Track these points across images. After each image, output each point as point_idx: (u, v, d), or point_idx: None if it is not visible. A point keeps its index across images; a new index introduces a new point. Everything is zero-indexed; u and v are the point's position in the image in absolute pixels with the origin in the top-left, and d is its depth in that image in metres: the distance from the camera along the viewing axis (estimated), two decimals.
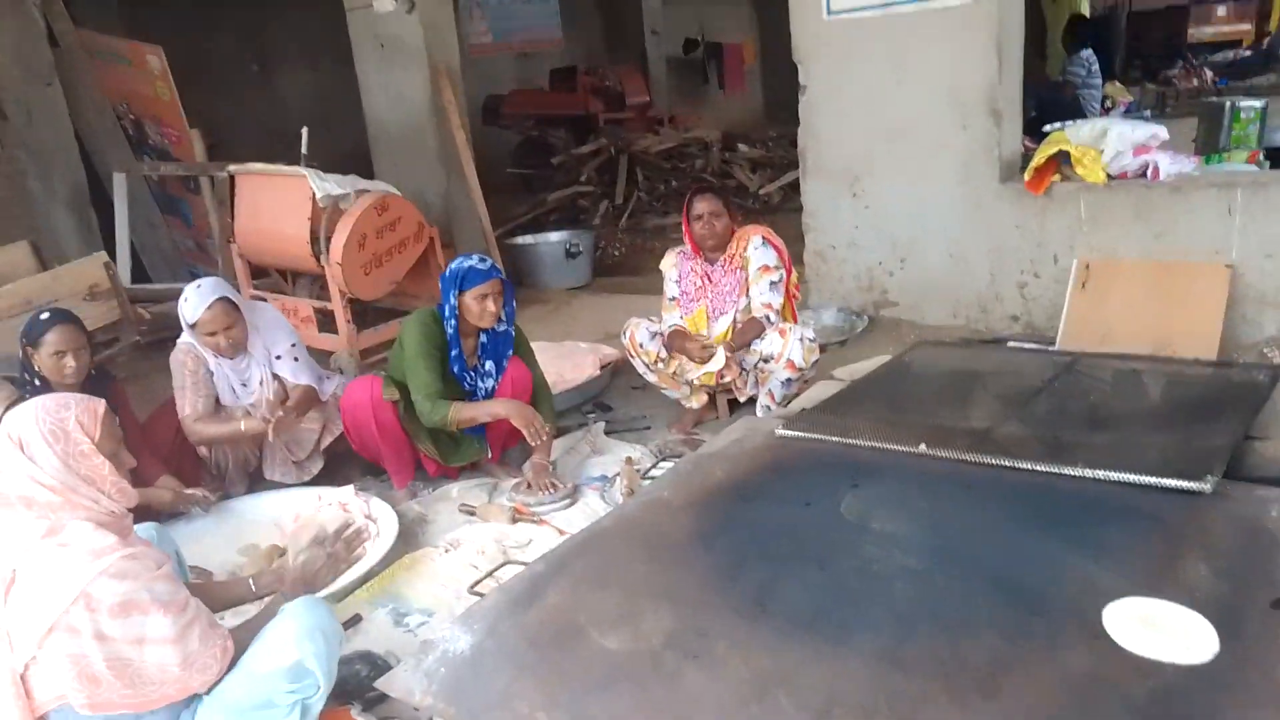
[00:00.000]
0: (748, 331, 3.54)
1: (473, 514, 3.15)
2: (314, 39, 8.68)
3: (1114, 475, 2.14)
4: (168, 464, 3.12)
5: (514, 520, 3.08)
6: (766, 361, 3.51)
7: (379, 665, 2.35)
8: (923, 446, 2.40)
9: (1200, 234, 3.70)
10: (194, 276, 6.15)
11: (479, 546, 2.91)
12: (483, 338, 3.31)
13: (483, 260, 3.18)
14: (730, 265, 3.65)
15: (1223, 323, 3.62)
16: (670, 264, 3.81)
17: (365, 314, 5.05)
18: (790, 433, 2.61)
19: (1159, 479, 2.09)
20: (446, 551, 2.91)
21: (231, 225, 5.11)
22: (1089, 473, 2.17)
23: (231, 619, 2.13)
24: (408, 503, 3.24)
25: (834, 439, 2.53)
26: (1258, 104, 4.79)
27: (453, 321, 3.22)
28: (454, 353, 3.26)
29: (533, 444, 3.18)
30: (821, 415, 2.73)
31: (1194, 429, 2.40)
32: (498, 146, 9.85)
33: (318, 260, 4.64)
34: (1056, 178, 3.98)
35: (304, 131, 5.09)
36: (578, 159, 8.92)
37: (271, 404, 3.16)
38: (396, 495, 3.29)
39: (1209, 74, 11.10)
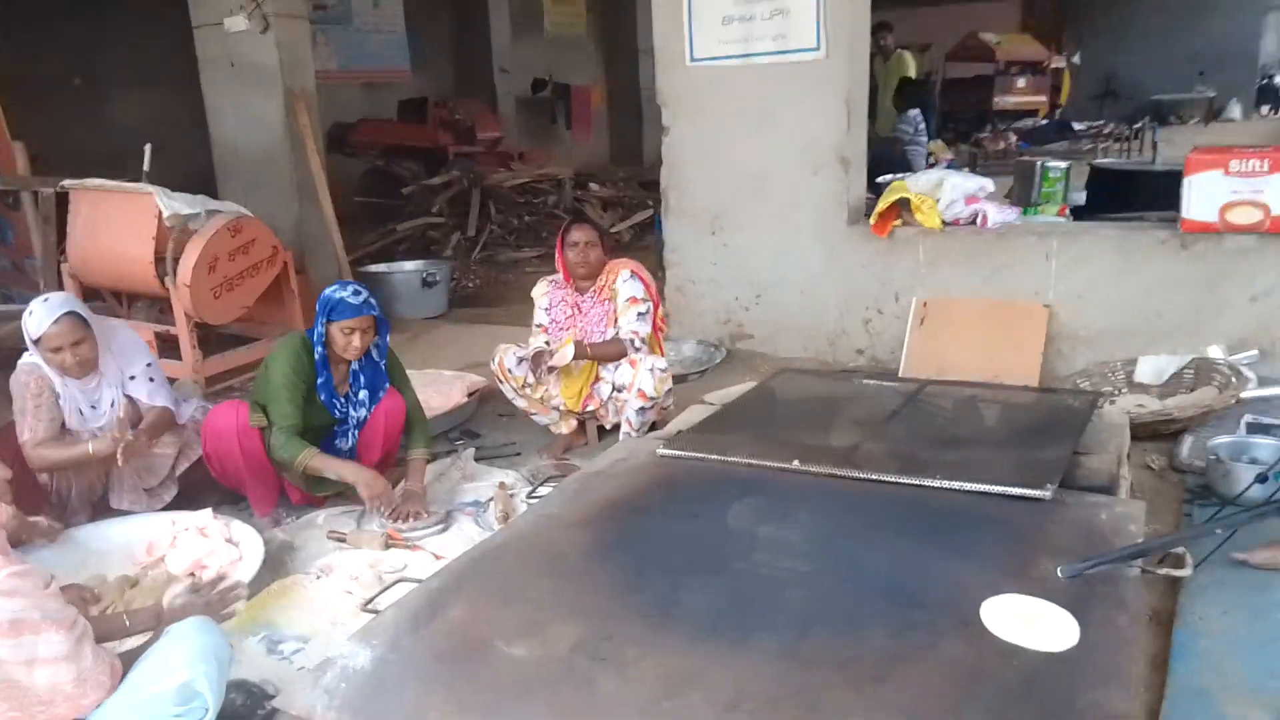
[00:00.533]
0: (609, 346, 3.67)
1: (343, 540, 3.08)
2: (148, 58, 8.25)
3: (968, 486, 2.35)
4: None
5: (387, 546, 3.02)
6: (619, 391, 3.65)
7: (254, 694, 2.26)
8: (796, 463, 2.55)
9: (1023, 277, 4.11)
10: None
11: (352, 573, 2.85)
12: (354, 365, 3.26)
13: (356, 294, 3.12)
14: (599, 296, 3.76)
15: (1042, 356, 4.03)
16: (542, 291, 3.90)
17: (208, 340, 4.83)
18: (671, 452, 2.71)
19: (1007, 488, 2.32)
20: (318, 578, 2.83)
21: (60, 244, 4.79)
22: (947, 484, 2.37)
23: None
24: (272, 530, 3.12)
25: (714, 457, 2.65)
26: (1063, 165, 5.36)
27: (320, 348, 3.15)
28: (321, 380, 3.19)
29: (376, 513, 3.10)
30: (699, 435, 2.84)
31: (1031, 446, 2.67)
32: (342, 175, 9.64)
33: (162, 282, 4.42)
34: (898, 222, 4.33)
35: (146, 149, 4.86)
36: (429, 190, 8.86)
37: (122, 423, 2.97)
38: (259, 523, 3.16)
39: (1013, 138, 12.26)
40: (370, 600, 2.29)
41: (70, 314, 2.91)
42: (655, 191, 10.04)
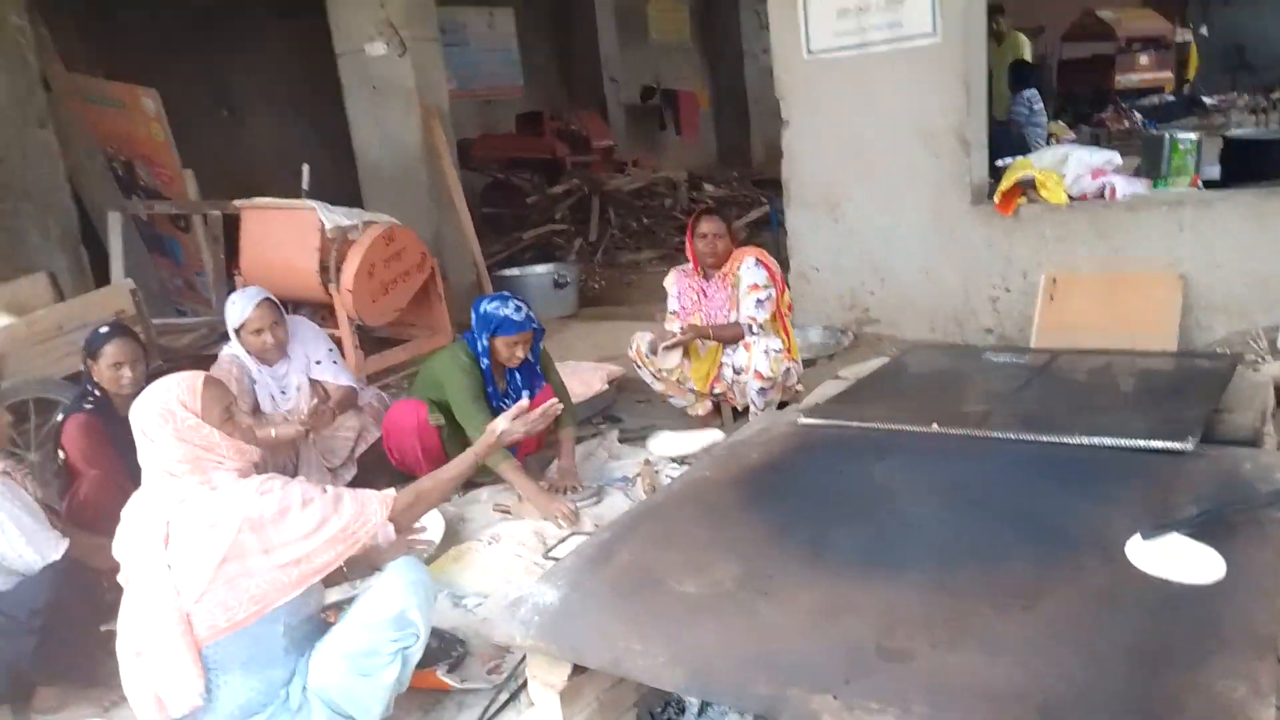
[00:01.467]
0: (727, 329, 3.86)
1: (508, 512, 3.35)
2: (288, 86, 8.88)
3: (1108, 440, 2.43)
4: None
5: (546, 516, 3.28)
6: (738, 374, 3.81)
7: (447, 638, 2.53)
8: (935, 425, 2.67)
9: (1154, 248, 4.09)
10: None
11: (519, 539, 3.11)
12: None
13: (518, 310, 3.39)
14: (724, 282, 3.95)
15: (1179, 327, 4.00)
16: (671, 281, 4.12)
17: (364, 341, 5.22)
18: (812, 420, 2.87)
19: (1149, 441, 2.39)
20: (490, 544, 3.10)
21: (228, 260, 5.27)
22: (1086, 440, 2.45)
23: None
24: (444, 504, 3.42)
25: (854, 424, 2.79)
26: (1193, 136, 5.24)
27: (485, 359, 3.43)
28: (490, 389, 3.48)
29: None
30: (837, 405, 2.99)
31: (1171, 404, 2.71)
32: (464, 189, 10.12)
33: (326, 288, 4.82)
34: (1023, 200, 4.36)
35: (305, 168, 5.32)
36: (551, 199, 9.21)
37: (312, 406, 3.33)
38: None
39: (1138, 116, 11.85)
40: (551, 549, 2.53)
41: (267, 299, 3.29)
42: (767, 189, 10.20)
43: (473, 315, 3.46)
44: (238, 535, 1.83)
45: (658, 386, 4.04)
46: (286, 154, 7.04)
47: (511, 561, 2.98)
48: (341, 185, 6.57)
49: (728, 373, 3.92)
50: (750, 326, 3.83)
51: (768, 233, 8.30)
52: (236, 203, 5.19)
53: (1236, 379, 2.90)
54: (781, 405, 3.87)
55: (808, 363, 4.47)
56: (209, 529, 1.84)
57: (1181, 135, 5.33)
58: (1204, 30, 16.86)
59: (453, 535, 3.21)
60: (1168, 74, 14.53)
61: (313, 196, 5.11)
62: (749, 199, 9.83)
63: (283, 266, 4.95)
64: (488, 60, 12.49)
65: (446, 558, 3.03)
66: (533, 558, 3.00)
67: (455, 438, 3.42)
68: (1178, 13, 16.76)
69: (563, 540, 2.55)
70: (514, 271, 6.83)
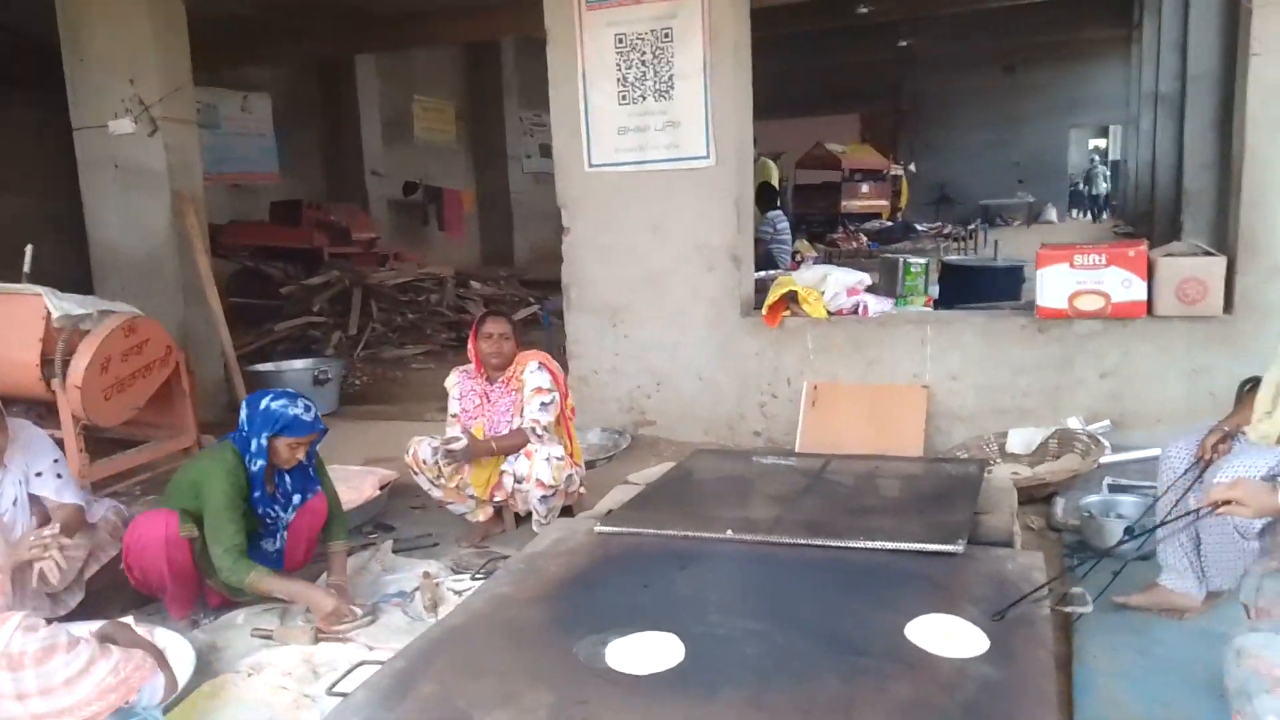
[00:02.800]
0: (509, 439, 3.77)
1: (269, 637, 3.02)
2: (12, 164, 7.98)
3: (890, 545, 2.57)
4: None
5: (316, 640, 2.99)
6: (520, 482, 3.74)
7: None
8: (729, 532, 2.71)
9: (902, 361, 4.49)
10: None
11: (284, 669, 2.80)
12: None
13: (308, 410, 3.15)
14: (507, 387, 3.88)
15: (924, 433, 4.38)
16: (453, 382, 4.00)
17: (91, 443, 4.62)
18: (608, 529, 2.83)
19: (924, 545, 2.55)
20: (249, 675, 2.77)
21: None
22: (870, 544, 2.59)
23: None
24: (192, 632, 3.02)
25: (650, 531, 2.78)
26: (923, 260, 5.89)
27: (260, 461, 3.13)
28: (257, 493, 3.17)
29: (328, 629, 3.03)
30: (631, 512, 2.98)
31: (937, 509, 2.93)
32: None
33: (48, 384, 4.25)
34: (787, 313, 4.66)
35: (28, 250, 4.73)
36: (308, 290, 8.79)
37: (39, 531, 2.85)
38: (177, 626, 3.06)
39: (864, 238, 13.21)
40: (335, 683, 2.28)
41: None
42: (535, 289, 10.31)
43: (245, 412, 3.16)
44: None
45: (436, 493, 3.86)
46: (17, 237, 6.28)
47: (276, 696, 2.66)
48: (67, 271, 5.89)
49: (509, 480, 3.82)
50: (535, 429, 3.77)
51: (539, 332, 8.34)
52: None
53: (985, 483, 3.19)
54: (565, 510, 3.82)
55: (589, 464, 4.45)
56: None
57: (913, 259, 5.97)
58: (913, 167, 19.34)
59: (203, 667, 2.83)
60: (885, 202, 16.39)
61: (35, 281, 4.54)
62: (518, 298, 9.87)
63: None
64: (240, 145, 11.98)
65: (198, 694, 2.65)
66: (302, 689, 2.71)
67: (208, 553, 3.07)
68: (892, 150, 19.11)
69: (348, 672, 2.31)
70: (269, 366, 6.38)
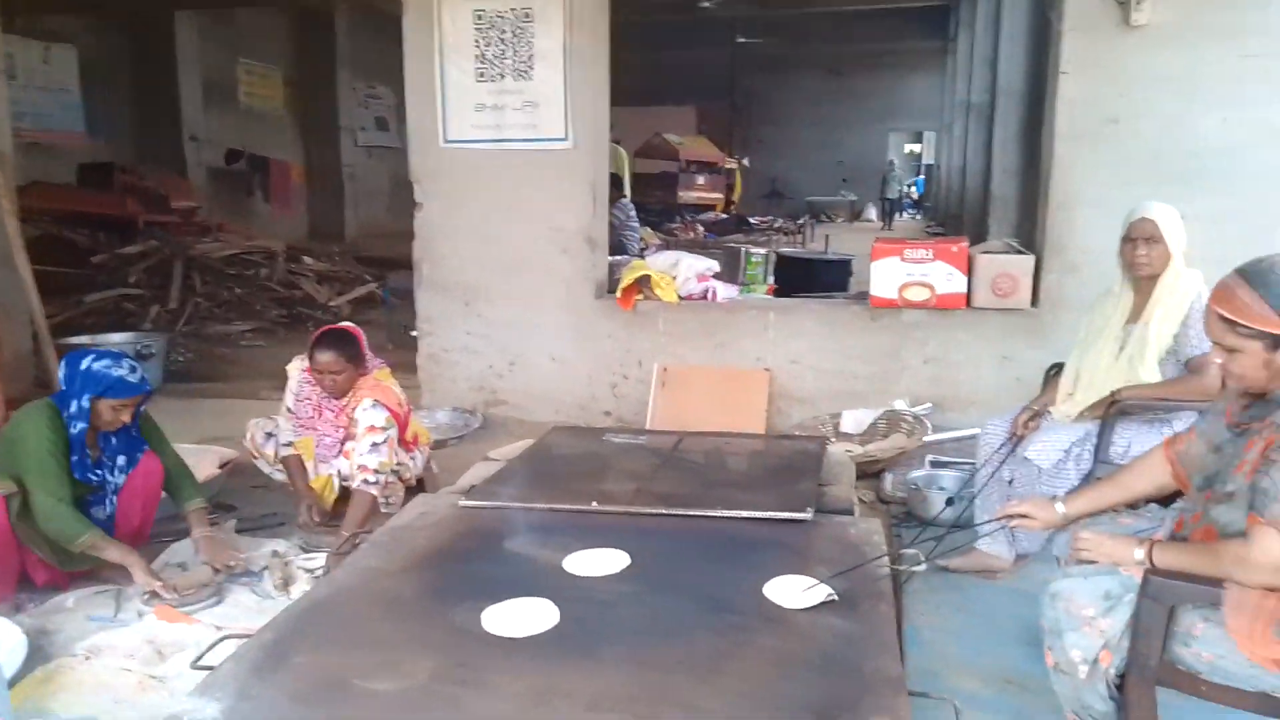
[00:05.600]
0: (356, 511, 3.47)
1: (156, 595, 2.92)
2: None
3: (745, 513, 2.73)
4: None
5: (216, 579, 3.02)
6: (346, 480, 3.61)
7: None
8: (594, 504, 2.80)
9: (747, 345, 4.71)
10: None
11: (126, 650, 2.69)
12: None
13: (133, 370, 2.99)
14: (337, 417, 3.66)
15: (765, 413, 4.62)
16: (295, 376, 3.75)
17: None
18: (473, 503, 2.85)
19: (777, 513, 2.73)
20: (87, 659, 2.63)
21: None
22: (727, 513, 2.74)
23: None
24: (18, 617, 2.82)
25: (515, 505, 2.82)
26: (762, 251, 6.17)
27: (81, 424, 2.95)
28: (76, 457, 2.98)
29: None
30: (494, 487, 3.00)
31: (785, 480, 3.11)
32: None
33: None
34: (640, 297, 4.79)
35: None
36: (123, 260, 8.21)
37: None
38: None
39: (700, 229, 13.58)
40: (200, 657, 2.19)
41: None
42: (371, 267, 10.01)
43: (64, 371, 2.96)
44: None
45: (278, 477, 3.74)
46: None
47: (118, 678, 2.54)
48: None
49: (336, 482, 3.70)
50: (366, 480, 3.46)
51: (376, 309, 8.15)
52: None
53: (826, 457, 3.42)
54: (420, 487, 3.76)
55: (438, 444, 4.41)
56: None
57: (754, 250, 6.26)
58: (746, 162, 20.00)
59: (34, 652, 2.65)
60: (720, 195, 16.88)
61: None
62: (352, 275, 9.57)
63: None
64: (40, 100, 11.04)
65: (30, 681, 2.50)
66: (147, 670, 2.60)
67: (27, 513, 2.87)
68: (727, 144, 19.67)
69: (213, 645, 2.22)
70: (84, 339, 5.93)
